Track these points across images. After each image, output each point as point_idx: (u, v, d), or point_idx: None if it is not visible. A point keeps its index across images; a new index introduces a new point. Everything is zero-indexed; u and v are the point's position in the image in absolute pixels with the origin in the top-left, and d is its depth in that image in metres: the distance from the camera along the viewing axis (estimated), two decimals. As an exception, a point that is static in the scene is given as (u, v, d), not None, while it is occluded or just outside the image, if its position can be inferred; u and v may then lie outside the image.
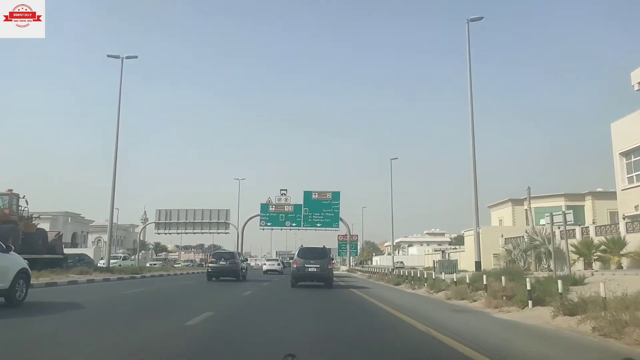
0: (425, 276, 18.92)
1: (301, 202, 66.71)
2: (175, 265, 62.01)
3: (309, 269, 19.26)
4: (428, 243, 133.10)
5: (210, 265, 26.38)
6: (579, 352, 6.42)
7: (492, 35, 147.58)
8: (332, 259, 22.84)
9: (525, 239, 34.45)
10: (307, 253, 20.17)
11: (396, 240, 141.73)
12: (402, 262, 78.96)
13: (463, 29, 25.90)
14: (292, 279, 19.84)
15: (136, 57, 32.23)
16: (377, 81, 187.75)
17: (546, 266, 29.54)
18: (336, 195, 66.84)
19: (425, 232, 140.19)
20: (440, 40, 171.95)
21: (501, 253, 37.23)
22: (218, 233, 73.03)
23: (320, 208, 66.25)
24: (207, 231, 72.57)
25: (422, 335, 7.54)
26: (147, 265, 47.31)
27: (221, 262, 25.72)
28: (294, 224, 66.59)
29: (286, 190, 67.46)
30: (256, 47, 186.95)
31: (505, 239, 40.34)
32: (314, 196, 66.78)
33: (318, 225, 66.17)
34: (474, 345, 6.24)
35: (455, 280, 15.51)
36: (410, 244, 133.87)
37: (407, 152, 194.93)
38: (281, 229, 67.97)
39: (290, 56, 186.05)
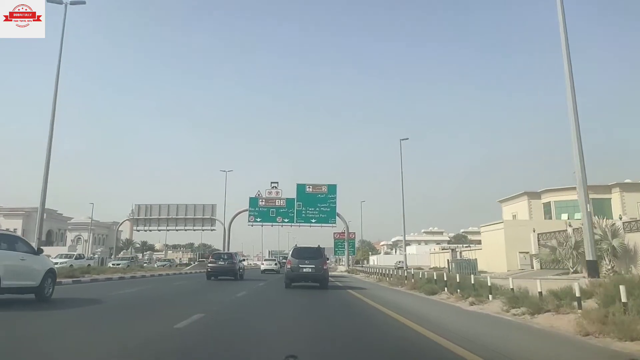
0: (489, 284, 11.69)
1: (294, 196, 59.50)
2: (144, 266, 54.30)
3: (304, 270, 18.45)
4: (426, 242, 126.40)
5: (209, 265, 27.26)
6: None
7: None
8: (327, 259, 22.01)
9: (570, 234, 27.45)
10: (301, 253, 19.24)
11: (392, 239, 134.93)
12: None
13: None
14: (285, 279, 18.98)
15: (84, 3, 24.89)
16: (379, 76, 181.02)
17: (610, 267, 22.57)
18: (332, 188, 59.64)
19: (422, 230, 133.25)
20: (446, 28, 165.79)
21: (540, 251, 30.19)
22: (203, 230, 65.69)
23: (315, 202, 59.07)
24: (192, 228, 65.14)
25: None
26: (110, 265, 39.89)
27: (220, 262, 26.88)
28: (286, 220, 59.31)
29: (277, 183, 60.26)
30: (255, 38, 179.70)
31: (539, 234, 33.36)
32: (308, 189, 59.57)
33: (313, 221, 58.96)
34: None
35: (578, 292, 8.15)
36: (408, 243, 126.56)
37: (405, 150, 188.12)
38: (272, 225, 60.68)
39: (289, 45, 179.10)
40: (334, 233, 69.01)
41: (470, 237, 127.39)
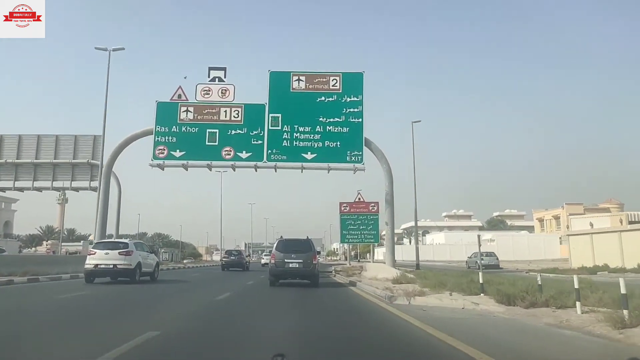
0: None
1: (263, 99, 24.31)
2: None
3: (290, 265, 15.91)
4: (450, 228, 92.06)
5: (224, 259, 35.52)
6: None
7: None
8: (319, 252, 20.04)
9: None
10: (287, 246, 16.55)
11: (404, 226, 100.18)
12: (492, 255, 36.20)
13: None
14: (270, 276, 16.33)
15: None
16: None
17: None
18: (353, 80, 24.50)
19: (444, 214, 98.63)
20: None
21: None
22: (75, 189, 30.02)
23: (313, 114, 23.90)
24: (49, 185, 29.48)
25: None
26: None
27: (232, 257, 34.69)
28: (243, 154, 23.81)
29: (224, 70, 24.71)
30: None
31: None
32: (295, 84, 24.34)
33: (307, 155, 23.66)
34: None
35: None
36: (427, 231, 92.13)
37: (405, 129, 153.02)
38: (210, 168, 24.67)
39: None
40: (341, 204, 35.23)
41: (509, 221, 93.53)
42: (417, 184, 36.73)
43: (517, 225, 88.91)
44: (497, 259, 33.99)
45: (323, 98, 24.00)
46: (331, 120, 23.75)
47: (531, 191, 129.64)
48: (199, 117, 23.85)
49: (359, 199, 38.90)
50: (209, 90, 24.02)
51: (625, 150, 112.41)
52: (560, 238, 73.19)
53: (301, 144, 23.53)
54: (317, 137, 23.59)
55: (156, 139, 23.57)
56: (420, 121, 31.02)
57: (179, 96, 24.06)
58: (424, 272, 19.59)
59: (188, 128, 23.73)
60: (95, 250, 17.26)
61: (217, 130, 23.69)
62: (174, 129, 23.68)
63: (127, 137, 24.37)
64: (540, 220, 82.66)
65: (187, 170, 24.18)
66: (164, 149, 23.52)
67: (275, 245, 17.21)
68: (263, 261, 48.82)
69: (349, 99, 24.01)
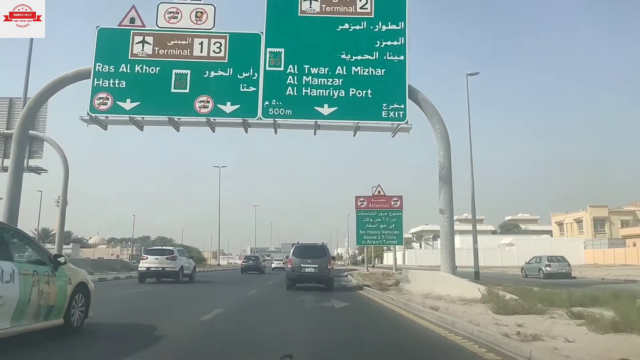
0: None
1: (259, 27, 15.87)
2: None
3: (306, 270, 16.17)
4: (461, 232, 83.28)
5: (243, 263, 39.34)
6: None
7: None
8: (333, 258, 19.87)
9: None
10: (303, 251, 16.73)
11: (414, 230, 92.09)
12: (563, 260, 26.68)
13: None
14: (287, 280, 16.69)
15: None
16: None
17: None
18: (393, 1, 16.42)
19: (454, 218, 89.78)
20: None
21: None
22: (6, 170, 21.62)
23: (334, 48, 15.34)
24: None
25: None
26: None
27: (250, 262, 38.32)
28: (227, 106, 15.36)
29: (203, -16, 16.40)
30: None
31: None
32: (306, 5, 15.82)
33: (323, 109, 15.11)
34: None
35: None
36: (437, 235, 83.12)
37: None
38: (179, 127, 16.17)
39: None
40: (357, 198, 28.62)
41: (522, 225, 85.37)
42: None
43: (531, 229, 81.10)
44: (569, 265, 25.57)
45: (347, 26, 15.75)
46: (359, 58, 15.52)
47: (539, 195, 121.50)
48: (161, 52, 15.56)
49: (379, 192, 31.17)
50: (177, 13, 15.73)
51: (631, 152, 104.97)
52: (584, 242, 65.56)
53: (314, 92, 15.25)
54: (337, 82, 15.34)
55: (95, 82, 15.22)
56: (478, 73, 22.26)
57: (132, 20, 15.73)
58: (528, 290, 11.13)
59: (145, 67, 15.42)
60: (147, 256, 20.60)
61: (188, 72, 15.41)
62: (122, 68, 15.35)
63: (52, 82, 15.81)
64: (560, 223, 74.64)
65: (142, 129, 15.88)
66: (108, 98, 15.16)
67: (291, 250, 17.49)
68: (273, 265, 51.65)
69: (385, 28, 15.77)
